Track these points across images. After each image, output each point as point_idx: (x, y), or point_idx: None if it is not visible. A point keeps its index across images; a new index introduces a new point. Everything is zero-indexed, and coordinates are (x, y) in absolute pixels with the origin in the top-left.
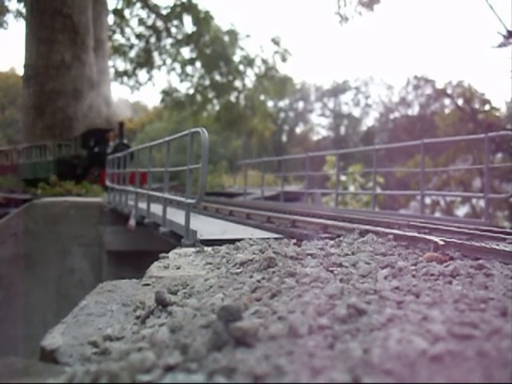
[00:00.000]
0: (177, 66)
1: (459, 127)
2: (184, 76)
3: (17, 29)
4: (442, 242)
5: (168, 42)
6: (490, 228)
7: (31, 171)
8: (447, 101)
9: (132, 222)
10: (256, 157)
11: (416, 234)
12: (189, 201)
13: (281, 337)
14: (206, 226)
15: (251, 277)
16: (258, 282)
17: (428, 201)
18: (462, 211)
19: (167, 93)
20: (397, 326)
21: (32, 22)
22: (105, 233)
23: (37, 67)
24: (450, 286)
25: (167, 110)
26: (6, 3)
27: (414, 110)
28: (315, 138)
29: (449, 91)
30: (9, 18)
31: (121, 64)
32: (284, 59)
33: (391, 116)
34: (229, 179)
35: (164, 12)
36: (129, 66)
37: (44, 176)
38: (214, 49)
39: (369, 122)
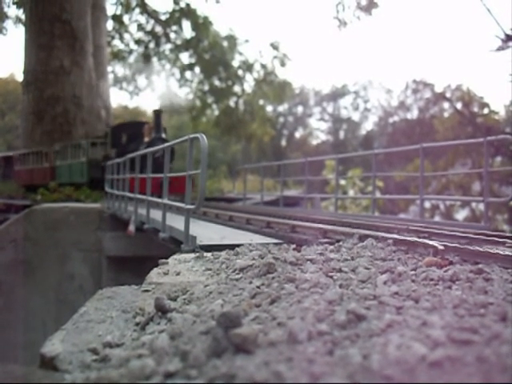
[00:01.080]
0: (176, 71)
1: (458, 131)
2: (183, 81)
3: (16, 35)
4: (441, 247)
5: (167, 47)
6: (490, 232)
7: (67, 175)
8: (446, 104)
9: (132, 228)
10: (255, 161)
11: (415, 239)
12: (188, 206)
13: (280, 343)
14: (206, 232)
15: (251, 283)
16: (258, 287)
17: (427, 205)
18: (461, 215)
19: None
20: (396, 332)
21: (31, 28)
22: (104, 238)
23: (36, 73)
24: (449, 290)
25: (166, 115)
26: (6, 9)
27: (413, 114)
28: (314, 142)
29: (448, 95)
30: (8, 24)
31: (120, 69)
32: (283, 64)
33: (390, 120)
34: (228, 184)
35: (163, 17)
36: (128, 72)
37: (79, 181)
38: (212, 54)
39: (368, 126)
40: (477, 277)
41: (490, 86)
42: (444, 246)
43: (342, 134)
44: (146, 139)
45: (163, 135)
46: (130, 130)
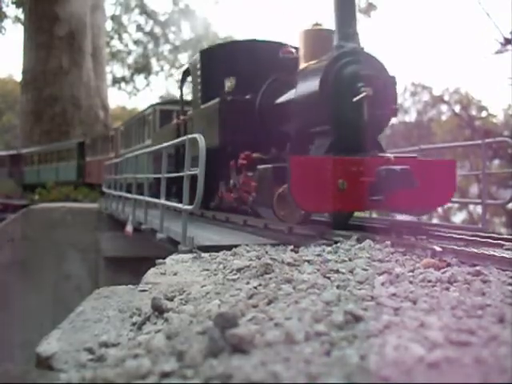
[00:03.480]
0: (174, 71)
1: (456, 134)
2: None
3: (15, 34)
4: (439, 249)
5: (166, 48)
6: (487, 234)
7: (133, 169)
8: (444, 107)
9: (129, 229)
10: None
11: (413, 241)
12: (186, 207)
13: (277, 343)
14: (203, 233)
15: (248, 283)
16: (255, 288)
17: None
18: (459, 217)
19: (165, 99)
20: (394, 333)
21: (30, 27)
22: (102, 239)
23: (35, 73)
24: (447, 292)
25: None
26: (4, 9)
27: (412, 117)
28: None
29: (446, 98)
30: (7, 23)
31: (118, 70)
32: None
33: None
34: None
35: (162, 18)
36: (126, 72)
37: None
38: None
39: None
40: (474, 278)
41: (489, 90)
42: (442, 247)
43: None
44: (306, 64)
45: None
46: (245, 61)
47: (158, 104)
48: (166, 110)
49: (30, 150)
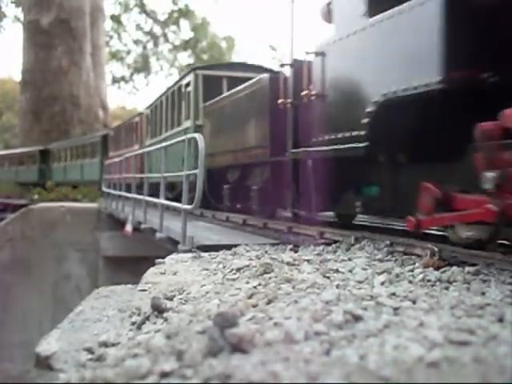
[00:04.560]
0: (174, 71)
1: None
2: None
3: (14, 34)
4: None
5: (165, 47)
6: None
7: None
8: None
9: (128, 228)
10: None
11: (413, 241)
12: (185, 207)
13: (277, 343)
14: (203, 232)
15: (247, 283)
16: (255, 287)
17: None
18: None
19: None
20: (393, 333)
21: (30, 27)
22: (101, 238)
23: (34, 72)
24: (446, 291)
25: None
26: (4, 8)
27: None
28: None
29: None
30: (6, 22)
31: (118, 69)
32: (281, 65)
33: None
34: None
35: (161, 18)
36: (126, 72)
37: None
38: (211, 54)
39: None
40: (474, 278)
41: None
42: (441, 247)
43: None
44: None
45: None
46: None
47: (200, 68)
48: (214, 77)
49: (57, 145)
